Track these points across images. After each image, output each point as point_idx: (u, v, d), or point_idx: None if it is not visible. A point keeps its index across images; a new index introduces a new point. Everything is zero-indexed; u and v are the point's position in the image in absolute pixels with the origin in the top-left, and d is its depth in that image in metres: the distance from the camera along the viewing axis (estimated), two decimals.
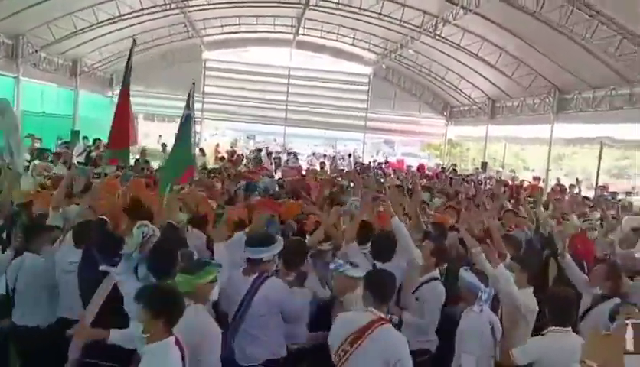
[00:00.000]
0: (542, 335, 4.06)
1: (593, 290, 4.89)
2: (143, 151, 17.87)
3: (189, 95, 6.48)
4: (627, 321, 2.01)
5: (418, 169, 21.29)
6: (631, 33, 13.06)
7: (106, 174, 8.25)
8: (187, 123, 6.23)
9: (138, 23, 19.91)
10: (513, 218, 7.44)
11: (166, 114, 29.37)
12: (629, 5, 12.29)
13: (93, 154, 15.84)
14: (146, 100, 27.20)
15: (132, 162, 16.45)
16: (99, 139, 19.35)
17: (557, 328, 3.93)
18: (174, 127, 29.87)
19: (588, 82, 16.77)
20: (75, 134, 18.34)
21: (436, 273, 5.00)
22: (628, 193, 16.32)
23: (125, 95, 6.98)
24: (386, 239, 5.14)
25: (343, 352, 3.68)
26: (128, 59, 7.33)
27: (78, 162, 13.01)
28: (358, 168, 18.67)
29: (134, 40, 7.90)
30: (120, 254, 4.28)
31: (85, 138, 18.89)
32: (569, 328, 3.95)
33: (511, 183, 17.57)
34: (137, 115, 28.97)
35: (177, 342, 3.12)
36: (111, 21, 18.54)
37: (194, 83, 7.06)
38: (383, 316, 3.74)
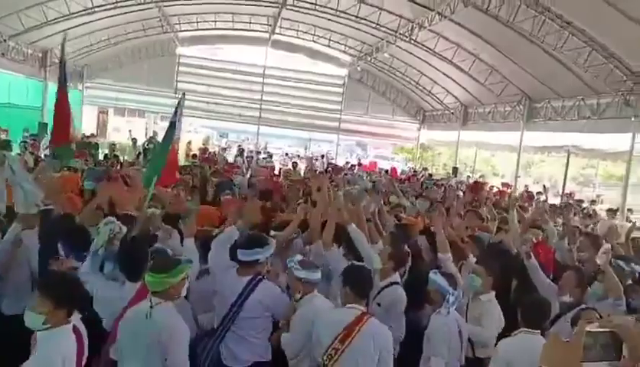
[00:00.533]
0: (512, 336, 4.11)
1: (562, 297, 4.96)
2: (112, 146, 17.57)
3: (178, 104, 6.48)
4: (586, 328, 2.01)
5: (390, 172, 21.41)
6: (600, 45, 13.39)
7: (75, 169, 8.09)
8: (171, 128, 6.20)
9: (112, 16, 19.57)
10: (474, 219, 7.41)
11: (137, 109, 28.95)
12: (600, 18, 12.59)
13: None
14: (117, 94, 26.83)
15: (101, 156, 16.36)
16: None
17: (528, 330, 3.99)
18: (145, 122, 29.76)
19: (557, 92, 17.12)
20: (43, 126, 17.96)
21: (396, 277, 4.93)
22: (593, 201, 16.69)
23: (62, 92, 6.85)
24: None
25: (334, 351, 3.69)
26: (62, 55, 7.18)
27: (45, 155, 12.74)
28: (330, 169, 18.68)
29: (64, 37, 7.74)
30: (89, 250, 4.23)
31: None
32: (539, 332, 3.99)
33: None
34: (107, 109, 28.61)
35: (75, 330, 3.02)
36: (83, 13, 18.17)
37: (184, 94, 7.31)
38: (364, 310, 3.82)
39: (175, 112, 6.37)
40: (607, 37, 13.19)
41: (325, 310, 4.12)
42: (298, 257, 4.42)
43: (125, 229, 4.46)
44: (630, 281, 5.30)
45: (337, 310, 3.93)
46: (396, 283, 4.93)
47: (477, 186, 12.44)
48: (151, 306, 3.41)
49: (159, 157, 6.18)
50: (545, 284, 5.27)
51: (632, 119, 13.68)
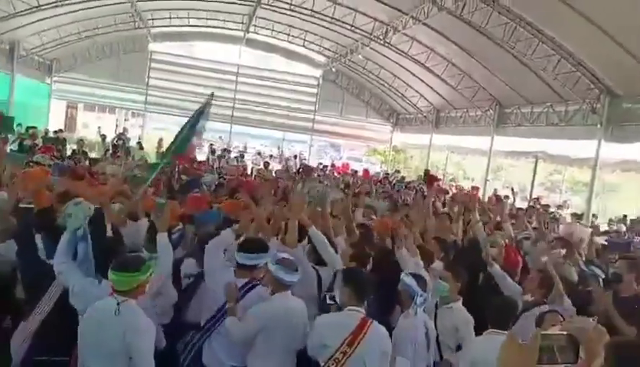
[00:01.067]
0: (481, 336, 4.19)
1: (524, 296, 5.06)
2: (80, 142, 17.26)
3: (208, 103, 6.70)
4: (541, 332, 2.04)
5: (363, 174, 21.48)
6: (569, 54, 13.67)
7: (39, 163, 7.92)
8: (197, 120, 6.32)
9: (83, 9, 19.19)
10: (445, 221, 7.44)
11: (108, 104, 28.49)
12: (569, 27, 12.86)
13: (27, 142, 15.19)
14: (87, 89, 26.34)
15: (68, 152, 16.06)
16: (34, 127, 18.58)
17: (495, 331, 4.04)
18: (115, 118, 29.27)
19: (527, 98, 17.43)
20: (9, 120, 17.50)
21: None
22: (560, 207, 17.03)
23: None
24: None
25: (342, 355, 3.69)
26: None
27: (11, 150, 12.44)
28: (302, 170, 18.68)
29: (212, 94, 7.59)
30: None
31: (19, 125, 18.09)
32: (506, 333, 4.04)
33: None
34: (76, 104, 28.08)
35: None
36: (53, 5, 17.75)
37: (212, 93, 7.21)
38: (364, 313, 3.84)
39: (203, 111, 6.48)
40: (576, 46, 13.48)
41: (297, 310, 4.12)
42: (282, 254, 4.35)
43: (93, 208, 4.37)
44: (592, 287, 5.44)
45: (340, 314, 3.90)
46: None
47: (431, 179, 12.49)
48: (118, 303, 3.36)
49: (182, 143, 6.18)
50: (511, 288, 5.35)
51: (598, 127, 14.00)
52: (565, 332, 2.05)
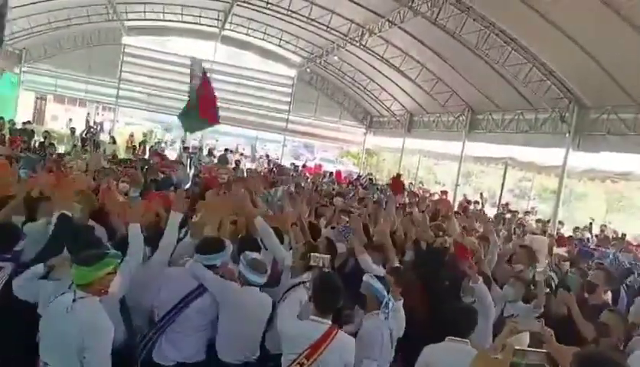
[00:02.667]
0: (439, 343, 4.10)
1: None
2: (45, 134, 16.91)
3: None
4: (516, 347, 2.04)
5: (336, 175, 21.55)
6: (541, 63, 13.90)
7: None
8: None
9: None
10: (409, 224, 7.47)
11: (78, 97, 27.96)
12: (542, 37, 13.07)
13: None
14: (57, 81, 25.79)
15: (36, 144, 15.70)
16: (0, 118, 18.17)
17: (454, 338, 4.00)
18: (85, 111, 28.76)
19: (498, 105, 17.66)
20: None
21: (305, 277, 4.72)
22: (527, 213, 17.30)
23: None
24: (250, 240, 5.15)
25: (298, 366, 3.63)
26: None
27: None
28: (274, 169, 18.63)
29: None
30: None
31: None
32: (468, 341, 3.99)
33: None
34: (45, 95, 27.50)
35: None
36: None
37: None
38: (330, 323, 3.71)
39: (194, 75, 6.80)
40: (547, 56, 13.71)
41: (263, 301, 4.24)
42: (255, 255, 4.45)
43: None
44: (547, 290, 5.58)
45: (303, 324, 3.77)
46: (304, 283, 4.76)
47: (396, 186, 12.55)
48: (73, 300, 3.29)
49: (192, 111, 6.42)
50: (496, 296, 5.39)
51: (566, 135, 14.25)
52: (542, 351, 2.06)
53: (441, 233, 7.12)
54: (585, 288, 5.72)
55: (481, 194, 14.07)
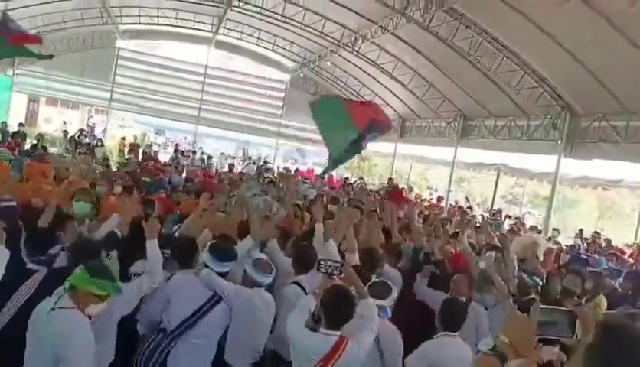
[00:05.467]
0: (433, 339, 4.24)
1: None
2: (39, 136, 16.83)
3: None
4: (541, 306, 2.22)
5: (328, 180, 21.54)
6: (532, 70, 13.98)
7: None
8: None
9: (49, 2, 18.73)
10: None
11: (71, 99, 27.83)
12: (534, 44, 13.15)
13: None
14: (50, 83, 25.68)
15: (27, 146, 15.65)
16: None
17: (447, 333, 4.16)
18: (79, 114, 28.67)
19: (490, 111, 17.73)
20: None
21: (302, 278, 4.80)
22: (517, 218, 17.35)
23: None
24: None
25: None
26: None
27: None
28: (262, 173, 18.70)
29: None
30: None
31: None
32: (457, 334, 4.17)
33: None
34: (38, 98, 27.37)
35: None
36: None
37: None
38: (339, 334, 3.62)
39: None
40: (539, 63, 13.78)
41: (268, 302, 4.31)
42: (260, 255, 4.55)
43: None
44: (533, 294, 5.59)
45: (313, 336, 3.65)
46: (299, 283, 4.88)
47: (395, 197, 12.49)
48: (52, 309, 3.22)
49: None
50: (431, 296, 5.42)
51: (558, 142, 14.32)
52: (564, 308, 2.20)
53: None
54: (562, 293, 5.78)
55: (467, 198, 14.04)
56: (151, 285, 4.06)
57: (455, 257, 6.23)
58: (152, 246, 4.18)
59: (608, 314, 4.16)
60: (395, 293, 4.36)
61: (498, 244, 7.47)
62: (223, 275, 4.30)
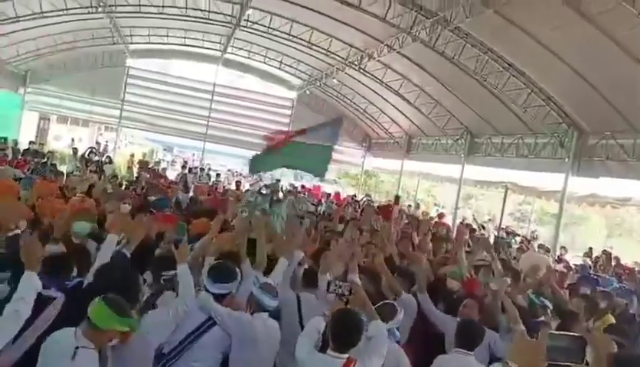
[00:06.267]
0: (447, 354, 4.37)
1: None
2: (50, 154, 16.96)
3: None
4: (550, 331, 2.21)
5: (335, 197, 21.61)
6: (539, 88, 14.02)
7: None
8: None
9: (61, 22, 18.99)
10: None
11: (81, 117, 28.15)
12: (540, 62, 13.21)
13: None
14: (61, 102, 25.96)
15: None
16: (4, 138, 18.27)
17: (461, 350, 4.23)
18: (88, 131, 28.92)
19: (497, 129, 17.74)
20: None
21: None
22: (524, 237, 17.27)
23: None
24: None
25: None
26: None
27: None
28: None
29: None
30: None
31: None
32: (472, 353, 4.22)
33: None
34: (49, 116, 27.68)
35: None
36: (30, 17, 17.46)
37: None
38: (346, 356, 3.60)
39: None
40: (546, 81, 13.83)
41: (273, 329, 4.29)
42: (266, 279, 4.56)
43: None
44: (543, 317, 5.57)
45: (322, 358, 3.64)
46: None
47: (386, 213, 12.51)
48: (77, 347, 3.13)
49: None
50: (439, 317, 5.48)
51: (566, 160, 14.29)
52: (574, 334, 2.20)
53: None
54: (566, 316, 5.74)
55: (474, 217, 14.03)
56: (185, 309, 4.08)
57: (470, 282, 6.22)
58: (183, 270, 4.23)
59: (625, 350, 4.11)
60: (401, 315, 4.38)
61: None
62: (221, 297, 4.27)
